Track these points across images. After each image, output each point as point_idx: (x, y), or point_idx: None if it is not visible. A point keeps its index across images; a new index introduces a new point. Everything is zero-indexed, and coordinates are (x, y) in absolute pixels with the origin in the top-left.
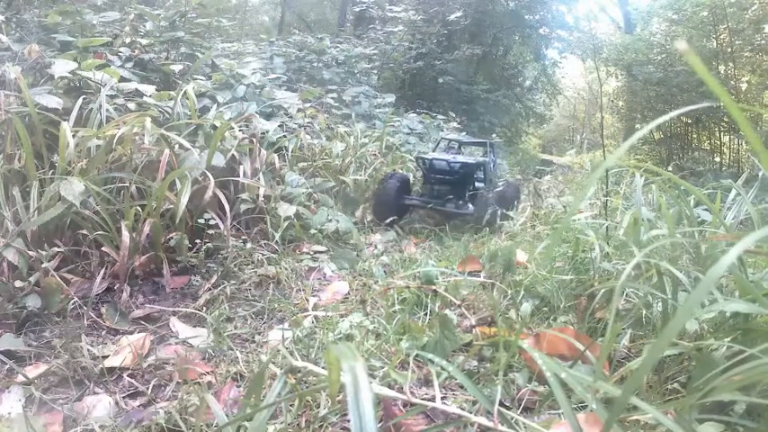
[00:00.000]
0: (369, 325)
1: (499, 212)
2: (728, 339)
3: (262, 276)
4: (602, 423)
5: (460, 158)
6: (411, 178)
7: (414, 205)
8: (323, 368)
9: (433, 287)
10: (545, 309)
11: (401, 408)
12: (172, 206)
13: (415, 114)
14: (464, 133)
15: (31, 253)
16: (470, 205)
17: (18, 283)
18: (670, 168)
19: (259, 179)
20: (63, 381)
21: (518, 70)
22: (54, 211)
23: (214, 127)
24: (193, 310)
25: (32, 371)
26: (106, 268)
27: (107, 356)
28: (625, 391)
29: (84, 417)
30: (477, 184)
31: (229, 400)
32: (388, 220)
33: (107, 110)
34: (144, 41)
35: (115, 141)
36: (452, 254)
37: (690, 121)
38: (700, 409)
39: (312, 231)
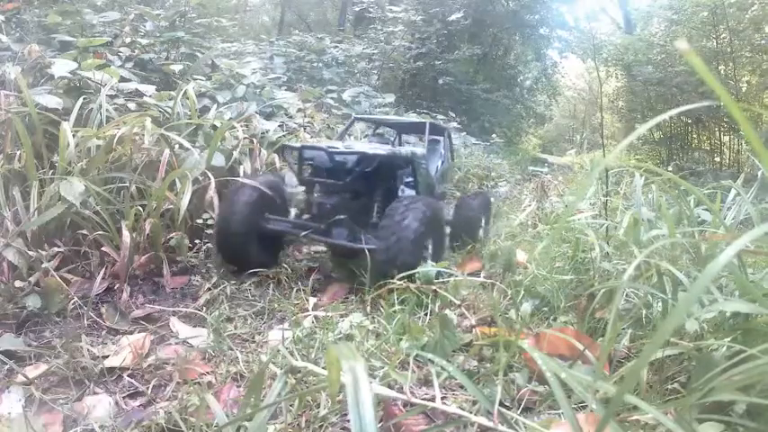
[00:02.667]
0: (369, 325)
1: (428, 249)
2: (728, 339)
3: (262, 276)
4: None
5: (361, 147)
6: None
7: (281, 232)
8: (323, 368)
9: (433, 287)
10: (545, 309)
11: (401, 408)
12: (172, 206)
13: (415, 114)
14: (464, 133)
15: (31, 253)
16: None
17: (18, 283)
18: (670, 168)
19: None
20: (63, 381)
21: (518, 70)
22: (54, 211)
23: (214, 127)
24: (193, 310)
25: (32, 371)
26: (106, 268)
27: (107, 356)
28: (621, 388)
29: (84, 417)
30: (407, 193)
31: (229, 400)
32: (241, 264)
33: (107, 110)
34: (144, 41)
35: (115, 141)
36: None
37: (690, 121)
38: (700, 409)
39: None
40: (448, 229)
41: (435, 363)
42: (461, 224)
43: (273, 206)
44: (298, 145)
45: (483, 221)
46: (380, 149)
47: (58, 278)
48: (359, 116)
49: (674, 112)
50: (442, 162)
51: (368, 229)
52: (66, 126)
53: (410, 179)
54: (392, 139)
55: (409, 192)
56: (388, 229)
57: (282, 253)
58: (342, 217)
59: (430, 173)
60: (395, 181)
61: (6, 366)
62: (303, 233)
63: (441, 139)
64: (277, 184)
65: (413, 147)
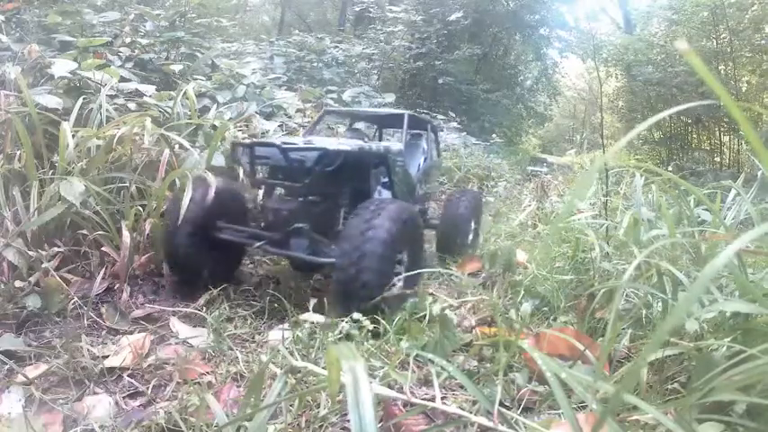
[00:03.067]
0: (369, 325)
1: (402, 263)
2: (728, 339)
3: (262, 276)
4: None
5: (323, 143)
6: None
7: (233, 242)
8: (323, 368)
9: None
10: (545, 309)
11: (401, 408)
12: None
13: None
14: (464, 133)
15: (31, 253)
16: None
17: (18, 283)
18: (670, 168)
19: None
20: (63, 381)
21: (518, 70)
22: (54, 211)
23: (214, 127)
24: (193, 310)
25: (32, 371)
26: (106, 268)
27: (107, 356)
28: (621, 388)
29: (84, 417)
30: (384, 194)
31: (229, 400)
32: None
33: (107, 110)
34: (144, 41)
35: (115, 141)
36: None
37: (690, 121)
38: (700, 409)
39: None
40: (433, 233)
41: (435, 363)
42: (449, 227)
43: (229, 212)
44: (248, 142)
45: (473, 223)
46: (345, 145)
47: (58, 278)
48: (329, 109)
49: (673, 110)
50: (425, 159)
51: (333, 238)
52: (66, 126)
53: (382, 177)
54: (372, 134)
55: (387, 193)
56: (346, 256)
57: (241, 265)
58: (301, 225)
59: (409, 172)
60: (366, 182)
61: (6, 366)
62: (257, 244)
63: (423, 133)
64: (234, 187)
65: (388, 142)
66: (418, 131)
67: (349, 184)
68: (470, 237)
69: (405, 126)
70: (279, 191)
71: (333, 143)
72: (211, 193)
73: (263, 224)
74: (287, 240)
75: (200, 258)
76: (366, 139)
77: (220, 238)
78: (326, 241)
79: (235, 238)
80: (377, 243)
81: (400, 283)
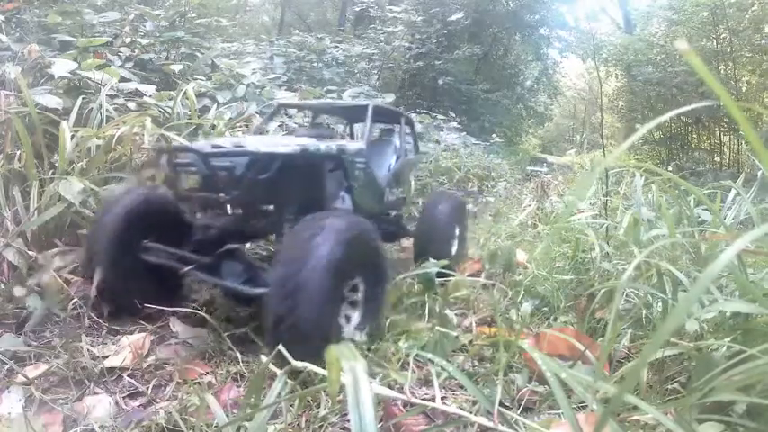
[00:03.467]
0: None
1: (355, 296)
2: (728, 339)
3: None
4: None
5: (257, 144)
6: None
7: (161, 265)
8: (323, 368)
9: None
10: (545, 309)
11: (401, 408)
12: None
13: (414, 114)
14: (464, 133)
15: (31, 253)
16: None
17: (18, 291)
18: (670, 168)
19: None
20: (63, 381)
21: (518, 70)
22: (54, 211)
23: (214, 127)
24: (193, 310)
25: (32, 371)
26: None
27: (107, 356)
28: (621, 388)
29: (84, 417)
30: (348, 204)
31: (229, 400)
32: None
33: (107, 110)
34: (144, 41)
35: (115, 141)
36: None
37: (690, 122)
38: (700, 409)
39: None
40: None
41: (435, 363)
42: (427, 234)
43: (162, 229)
44: (166, 146)
45: (457, 231)
46: (284, 146)
47: (58, 278)
48: (283, 102)
49: (674, 112)
50: (398, 157)
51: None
52: (66, 126)
53: (340, 183)
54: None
55: (346, 204)
56: (278, 288)
57: (184, 289)
58: (234, 246)
59: (374, 174)
60: (317, 190)
61: (6, 366)
62: (185, 268)
63: (395, 127)
64: (165, 198)
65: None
66: (388, 125)
67: (293, 194)
68: (454, 244)
69: (368, 120)
70: (206, 204)
71: (267, 145)
72: (138, 207)
73: (195, 244)
74: (218, 265)
75: (125, 282)
76: (332, 137)
77: (147, 260)
78: (264, 266)
79: (160, 261)
80: (309, 294)
81: (355, 321)
